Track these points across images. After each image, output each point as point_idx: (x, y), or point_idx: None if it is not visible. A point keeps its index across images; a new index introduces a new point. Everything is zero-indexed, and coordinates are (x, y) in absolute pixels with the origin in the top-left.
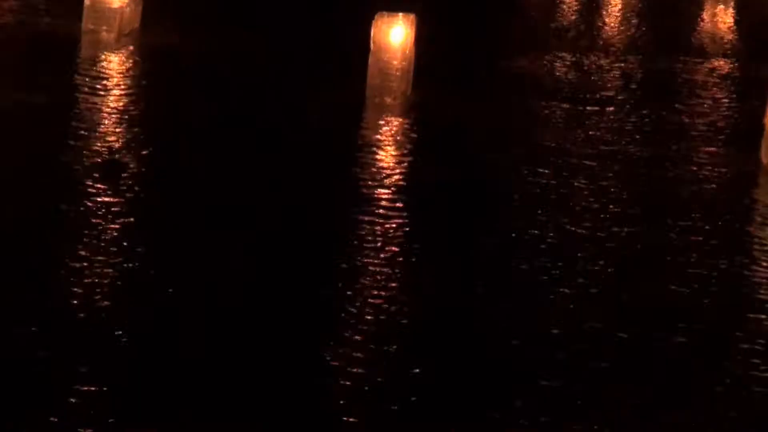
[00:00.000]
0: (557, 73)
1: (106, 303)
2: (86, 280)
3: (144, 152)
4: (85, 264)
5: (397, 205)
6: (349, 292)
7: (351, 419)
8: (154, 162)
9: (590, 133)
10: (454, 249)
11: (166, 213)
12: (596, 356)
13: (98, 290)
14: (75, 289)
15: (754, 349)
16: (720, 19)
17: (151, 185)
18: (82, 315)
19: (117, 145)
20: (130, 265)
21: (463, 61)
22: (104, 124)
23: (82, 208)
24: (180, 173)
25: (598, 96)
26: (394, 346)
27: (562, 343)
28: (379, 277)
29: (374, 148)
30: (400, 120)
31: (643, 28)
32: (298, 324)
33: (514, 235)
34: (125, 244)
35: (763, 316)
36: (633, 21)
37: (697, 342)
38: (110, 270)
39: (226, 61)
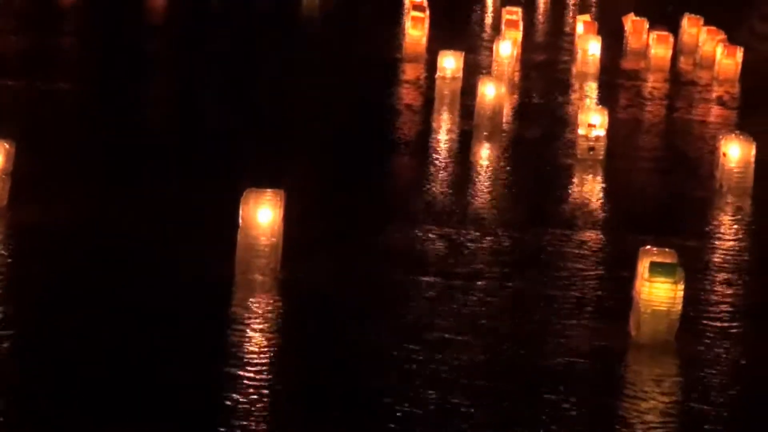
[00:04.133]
0: (426, 247)
1: None
2: None
3: (8, 334)
4: None
5: (265, 384)
6: None
7: None
8: (20, 344)
9: (459, 307)
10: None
11: (31, 395)
12: None
13: None
14: None
15: None
16: (588, 190)
17: (16, 368)
18: None
19: None
20: None
21: (332, 236)
22: None
23: None
24: (46, 356)
25: (467, 269)
26: None
27: None
28: None
29: (242, 326)
30: (269, 297)
31: (512, 201)
32: None
33: (386, 411)
34: None
35: None
36: (502, 193)
37: None
38: None
39: (95, 237)
